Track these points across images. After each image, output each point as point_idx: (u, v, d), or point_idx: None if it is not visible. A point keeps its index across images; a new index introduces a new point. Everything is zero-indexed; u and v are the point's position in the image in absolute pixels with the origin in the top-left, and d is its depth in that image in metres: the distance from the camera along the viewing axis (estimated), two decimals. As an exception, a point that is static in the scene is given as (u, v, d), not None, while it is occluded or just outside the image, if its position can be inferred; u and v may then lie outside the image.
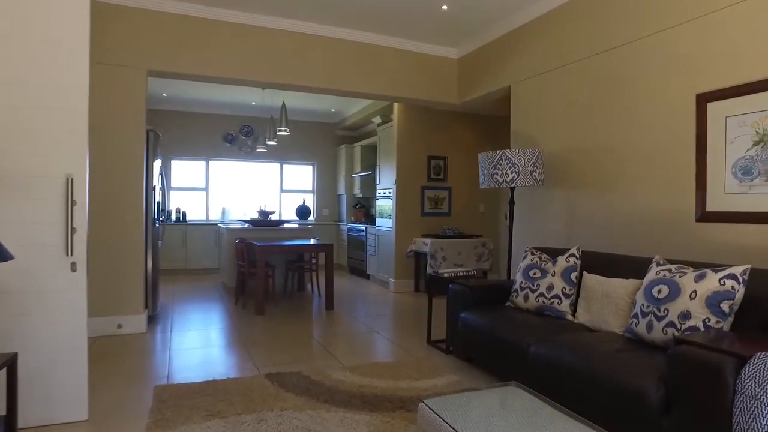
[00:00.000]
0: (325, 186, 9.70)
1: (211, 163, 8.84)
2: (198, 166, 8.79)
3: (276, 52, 4.81)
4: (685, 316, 2.31)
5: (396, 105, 6.67)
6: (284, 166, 9.45)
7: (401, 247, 6.70)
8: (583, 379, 2.34)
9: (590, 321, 3.00)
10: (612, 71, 3.66)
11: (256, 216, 8.86)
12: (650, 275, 2.62)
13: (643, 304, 2.55)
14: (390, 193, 6.95)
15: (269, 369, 3.36)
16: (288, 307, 5.51)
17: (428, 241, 6.30)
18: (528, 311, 3.37)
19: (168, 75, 4.58)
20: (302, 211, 9.40)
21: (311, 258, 6.41)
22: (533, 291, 3.36)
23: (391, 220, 6.91)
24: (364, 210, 9.10)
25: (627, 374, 2.16)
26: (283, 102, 5.75)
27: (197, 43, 4.52)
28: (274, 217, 9.23)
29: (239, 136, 8.88)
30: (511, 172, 3.89)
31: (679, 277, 2.45)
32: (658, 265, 2.64)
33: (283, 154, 9.29)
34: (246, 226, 6.47)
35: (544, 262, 3.45)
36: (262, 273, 5.07)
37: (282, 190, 9.45)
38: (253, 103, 8.28)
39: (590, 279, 3.12)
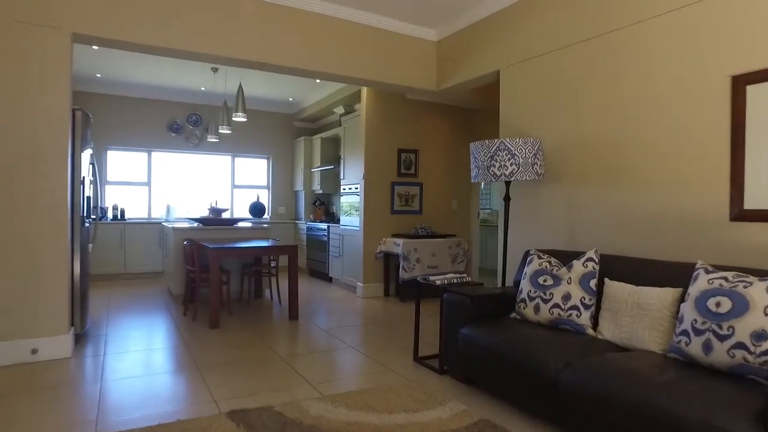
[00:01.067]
0: (281, 181, 8.98)
1: (154, 154, 7.92)
2: (139, 158, 7.85)
3: (234, 23, 4.12)
4: (762, 336, 1.90)
5: (364, 93, 6.10)
6: (237, 159, 8.65)
7: (370, 248, 6.14)
8: (647, 418, 1.87)
9: (618, 337, 2.57)
10: (620, 53, 3.27)
11: (206, 214, 8.03)
12: (700, 284, 2.21)
13: (695, 320, 2.13)
14: (357, 189, 6.37)
15: (232, 403, 2.71)
16: (246, 318, 4.83)
17: (400, 241, 5.78)
18: (539, 325, 2.91)
19: (99, 41, 3.78)
20: (256, 209, 8.64)
21: (270, 261, 5.73)
22: (545, 301, 2.90)
23: (358, 219, 6.34)
24: (324, 207, 8.46)
25: (705, 412, 1.71)
26: (240, 84, 5.05)
27: (139, 3, 3.77)
28: (227, 215, 8.43)
29: (186, 126, 8.01)
30: (511, 165, 3.43)
31: (744, 287, 2.04)
32: (708, 272, 2.23)
33: (236, 146, 8.49)
34: (195, 225, 5.70)
35: (555, 268, 3.00)
36: (216, 279, 4.37)
37: (234, 186, 8.65)
38: (203, 88, 7.46)
39: (615, 287, 2.69)
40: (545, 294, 2.92)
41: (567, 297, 2.82)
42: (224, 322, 4.62)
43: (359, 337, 4.20)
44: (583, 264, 2.87)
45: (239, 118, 5.02)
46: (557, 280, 2.91)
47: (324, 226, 7.41)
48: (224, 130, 5.79)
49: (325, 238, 7.35)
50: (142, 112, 7.72)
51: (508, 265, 4.00)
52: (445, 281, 3.41)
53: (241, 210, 8.69)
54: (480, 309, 3.06)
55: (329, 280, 7.37)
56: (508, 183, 3.67)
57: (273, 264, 5.70)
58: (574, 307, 2.78)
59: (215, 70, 6.30)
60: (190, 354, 3.63)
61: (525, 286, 3.07)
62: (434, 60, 5.14)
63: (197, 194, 8.27)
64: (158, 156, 7.95)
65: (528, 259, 3.20)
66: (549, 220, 3.80)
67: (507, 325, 2.87)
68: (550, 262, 3.06)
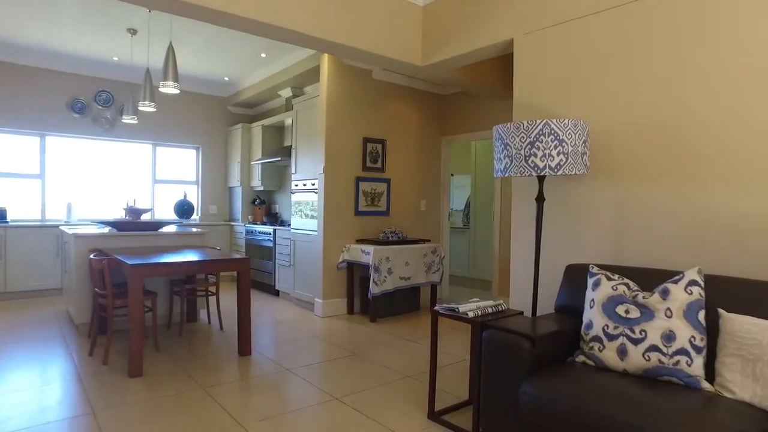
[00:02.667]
0: (213, 176, 7.65)
1: (50, 140, 6.32)
2: (29, 143, 6.22)
3: (165, -49, 2.94)
4: None
5: (325, 69, 5.05)
6: (159, 148, 7.21)
7: (331, 257, 5.11)
8: None
9: (762, 397, 1.80)
10: (682, 16, 2.54)
11: (121, 216, 6.58)
12: None
13: None
14: (313, 185, 5.31)
15: None
16: (180, 355, 3.63)
17: (370, 249, 4.81)
18: (626, 374, 2.08)
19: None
20: (183, 208, 7.26)
21: (208, 276, 4.53)
22: (635, 341, 2.08)
23: (314, 221, 5.28)
24: (266, 207, 7.28)
25: None
26: (171, 45, 3.79)
27: None
28: (149, 216, 6.98)
29: (94, 105, 6.48)
30: (558, 154, 2.59)
31: None
32: None
33: (158, 132, 7.06)
34: (107, 230, 4.37)
35: (637, 293, 2.19)
36: (138, 308, 3.16)
37: (156, 180, 7.20)
38: (116, 58, 6.01)
39: (742, 324, 1.92)
40: (633, 331, 2.10)
41: (669, 336, 2.02)
42: (149, 364, 3.40)
43: (341, 380, 3.18)
44: (685, 289, 2.08)
45: (169, 88, 3.78)
46: (647, 311, 2.10)
47: (269, 229, 6.25)
48: (146, 108, 4.48)
49: (270, 244, 6.19)
50: (34, 85, 6.11)
51: (544, 283, 3.16)
52: (478, 311, 2.50)
53: (164, 210, 7.26)
54: (543, 353, 2.19)
55: (275, 293, 6.22)
56: (541, 179, 2.84)
57: (212, 279, 4.51)
58: (683, 351, 1.98)
59: (133, 32, 4.95)
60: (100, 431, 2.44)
61: (596, 318, 2.23)
62: (419, 29, 4.22)
63: (108, 191, 6.75)
64: (55, 142, 6.35)
65: (592, 280, 2.37)
66: (589, 226, 3.02)
67: (585, 379, 2.01)
68: (627, 286, 2.25)
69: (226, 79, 6.99)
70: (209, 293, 4.54)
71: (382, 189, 5.53)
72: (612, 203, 2.90)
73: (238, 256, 3.66)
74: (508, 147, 2.72)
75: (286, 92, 6.53)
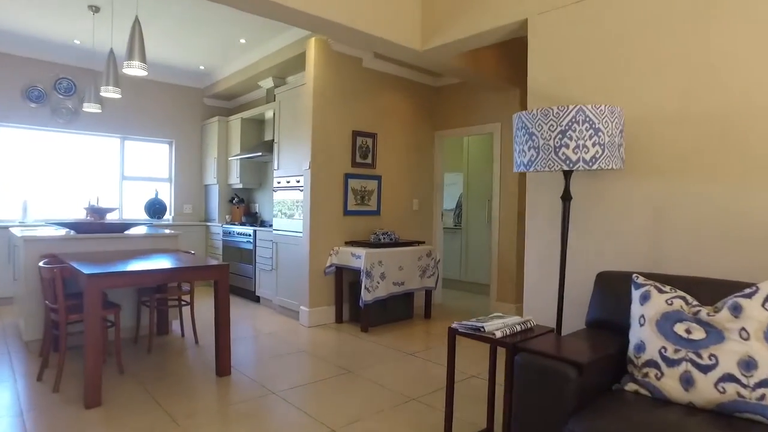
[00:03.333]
0: (187, 173, 7.12)
1: (2, 131, 5.72)
2: (-22, 135, 5.61)
3: None
4: None
5: (312, 59, 4.61)
6: (128, 143, 6.65)
7: (318, 261, 4.68)
8: None
9: None
10: (754, -19, 2.21)
11: (84, 216, 6.02)
12: None
13: None
14: (298, 183, 4.86)
15: None
16: (147, 376, 3.16)
17: (361, 252, 4.40)
18: (694, 409, 1.72)
19: None
20: (154, 208, 6.72)
21: (181, 284, 4.06)
22: (703, 368, 1.72)
23: (299, 222, 4.83)
24: (245, 207, 6.79)
25: None
26: (137, 18, 3.27)
27: None
28: (114, 216, 6.41)
29: (53, 94, 5.89)
30: (594, 145, 2.23)
31: None
32: None
33: (127, 125, 6.50)
34: (64, 233, 3.86)
35: (697, 309, 1.84)
36: (95, 327, 2.68)
37: (124, 177, 6.64)
38: (77, 41, 5.45)
39: (841, 349, 1.58)
40: (700, 356, 1.74)
41: (749, 364, 1.66)
42: (111, 389, 2.92)
43: (335, 406, 2.76)
44: (763, 305, 1.73)
45: (135, 69, 3.27)
46: (714, 331, 1.75)
47: (249, 230, 5.78)
48: (110, 94, 3.96)
49: (250, 246, 5.72)
50: (-16, 72, 5.50)
51: (571, 293, 2.78)
52: (506, 330, 2.11)
53: (134, 209, 6.71)
54: (590, 382, 1.82)
55: (256, 299, 5.75)
56: (568, 174, 2.47)
57: (186, 287, 4.03)
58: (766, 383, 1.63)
59: (95, 9, 4.42)
60: (44, 477, 1.97)
61: (649, 339, 1.87)
62: (418, 9, 3.82)
63: (70, 188, 6.17)
64: (9, 133, 5.75)
65: (639, 292, 2.00)
66: (620, 229, 2.66)
67: (646, 415, 1.64)
68: (684, 300, 1.89)
69: (202, 68, 6.47)
70: (183, 303, 4.06)
71: (372, 187, 5.11)
72: (648, 202, 2.55)
73: (214, 263, 3.20)
74: (534, 137, 2.34)
75: (267, 83, 6.06)
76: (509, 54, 4.80)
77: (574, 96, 2.85)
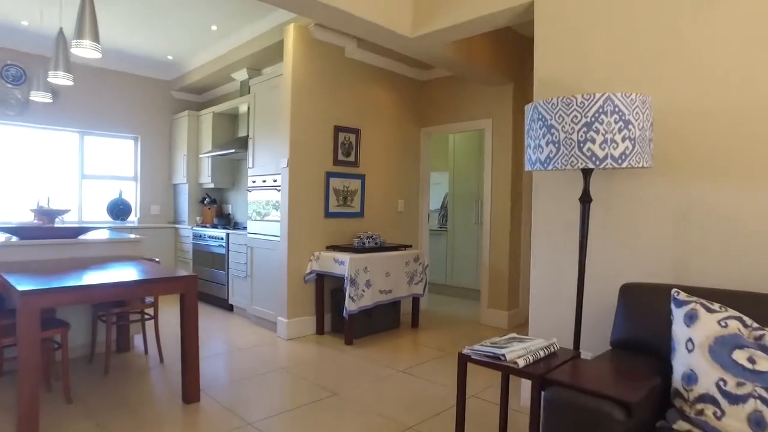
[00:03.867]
0: (154, 171, 6.63)
1: (-57, 125, 5.15)
2: None
3: None
4: None
5: (291, 47, 4.22)
6: (88, 138, 6.12)
7: (297, 267, 4.29)
8: None
9: None
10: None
11: (31, 219, 5.49)
12: None
13: None
14: (275, 182, 4.47)
15: None
16: (102, 404, 2.73)
17: (345, 258, 4.04)
18: (763, 458, 1.43)
19: None
20: (118, 209, 6.22)
21: (143, 298, 3.61)
22: (776, 410, 1.43)
23: (276, 224, 4.44)
24: (217, 208, 6.35)
25: None
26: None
27: None
28: (73, 218, 5.88)
29: (0, 82, 5.34)
30: (623, 140, 1.92)
31: None
32: None
33: (87, 119, 5.98)
34: (3, 238, 3.38)
35: (761, 333, 1.55)
36: (32, 353, 2.25)
37: (84, 176, 6.11)
38: (25, 23, 4.92)
39: None
40: (769, 393, 1.45)
41: (832, 404, 1.38)
42: (54, 424, 2.49)
43: (318, 438, 2.40)
44: (843, 331, 1.44)
45: (85, 50, 2.80)
46: (785, 362, 1.46)
47: (221, 233, 5.35)
48: (60, 80, 3.46)
49: (223, 251, 5.29)
50: None
51: (591, 307, 2.46)
52: (529, 357, 1.78)
53: (95, 210, 6.18)
54: (637, 422, 1.50)
55: (229, 308, 5.32)
56: (587, 173, 2.17)
57: (149, 299, 3.60)
58: None
59: (46, -12, 3.93)
60: None
61: (702, 369, 1.57)
62: (409, -8, 3.48)
63: (22, 188, 5.62)
64: (-48, 128, 5.18)
65: (683, 310, 1.70)
66: (643, 235, 2.37)
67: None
68: (741, 321, 1.60)
69: (170, 57, 6.00)
70: (146, 316, 3.63)
71: (355, 186, 4.75)
72: (675, 206, 2.27)
73: (182, 273, 2.79)
74: (553, 130, 2.02)
75: (241, 75, 5.63)
76: (505, 46, 4.50)
77: (582, 85, 2.56)
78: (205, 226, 5.82)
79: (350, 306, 4.00)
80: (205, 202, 6.33)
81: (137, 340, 4.03)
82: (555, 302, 2.69)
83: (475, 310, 5.55)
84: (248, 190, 4.87)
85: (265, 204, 4.61)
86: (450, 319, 5.10)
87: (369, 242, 4.50)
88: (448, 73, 5.26)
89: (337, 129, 4.56)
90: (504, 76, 4.58)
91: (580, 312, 2.19)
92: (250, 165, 4.83)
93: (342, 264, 4.07)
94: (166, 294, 2.72)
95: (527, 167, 2.20)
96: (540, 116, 2.08)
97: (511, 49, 4.60)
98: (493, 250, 4.89)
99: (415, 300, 4.75)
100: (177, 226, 6.35)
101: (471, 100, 5.07)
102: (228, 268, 5.21)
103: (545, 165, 2.08)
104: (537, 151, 2.11)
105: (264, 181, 4.62)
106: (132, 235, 3.93)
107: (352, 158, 4.71)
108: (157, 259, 3.65)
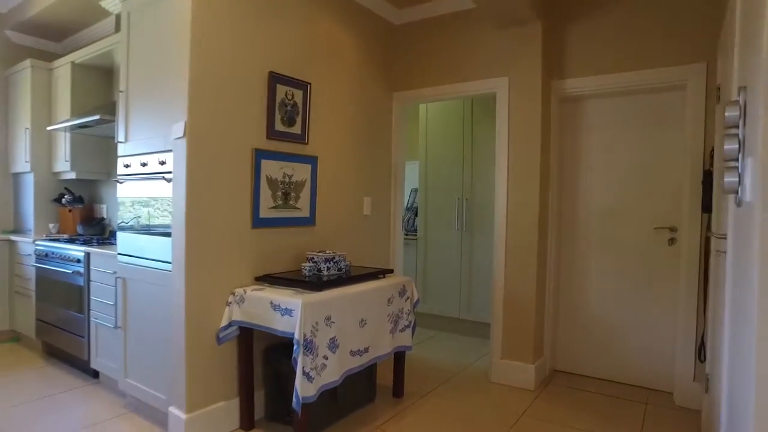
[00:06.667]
0: (-19, 154, 4.34)
1: None
2: None
3: None
4: None
5: None
6: None
7: (203, 317, 2.42)
8: None
9: None
10: None
11: None
12: None
13: None
14: (162, 165, 2.54)
15: None
16: None
17: (293, 302, 2.24)
18: None
19: None
20: None
21: None
22: None
23: (165, 240, 2.51)
24: (83, 210, 4.24)
25: None
26: None
27: None
28: None
29: None
30: None
31: None
32: None
33: None
34: None
35: None
36: None
37: None
38: None
39: None
40: None
41: None
42: None
43: None
44: None
45: None
46: None
47: (78, 252, 3.29)
48: None
49: (80, 281, 3.24)
50: None
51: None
52: None
53: None
54: None
55: (93, 374, 3.28)
56: None
57: None
58: None
59: None
60: None
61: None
62: None
63: None
64: None
65: None
66: None
67: None
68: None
69: (-5, -28, 3.78)
70: None
71: (303, 175, 2.95)
72: None
73: None
74: None
75: (112, 2, 3.59)
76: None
77: None
78: (58, 239, 3.70)
79: (305, 390, 2.19)
80: (64, 200, 4.18)
81: None
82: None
83: (469, 352, 3.95)
84: (118, 181, 2.88)
85: (147, 204, 2.67)
86: (443, 374, 3.45)
87: (329, 268, 2.71)
88: (435, 12, 3.58)
89: (275, 78, 2.72)
90: (528, 10, 3.00)
91: None
92: (121, 138, 2.84)
93: (288, 314, 2.26)
94: None
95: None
96: None
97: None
98: (510, 275, 3.29)
99: (399, 356, 3.02)
100: (15, 237, 4.11)
101: (474, 51, 3.44)
102: (88, 309, 3.18)
103: None
104: None
105: (144, 165, 2.67)
106: None
107: (297, 129, 2.89)
108: None
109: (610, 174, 3.35)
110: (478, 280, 4.45)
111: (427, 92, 3.63)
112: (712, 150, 2.75)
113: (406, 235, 5.05)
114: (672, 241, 3.15)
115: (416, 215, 5.13)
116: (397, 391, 3.03)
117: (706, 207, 2.77)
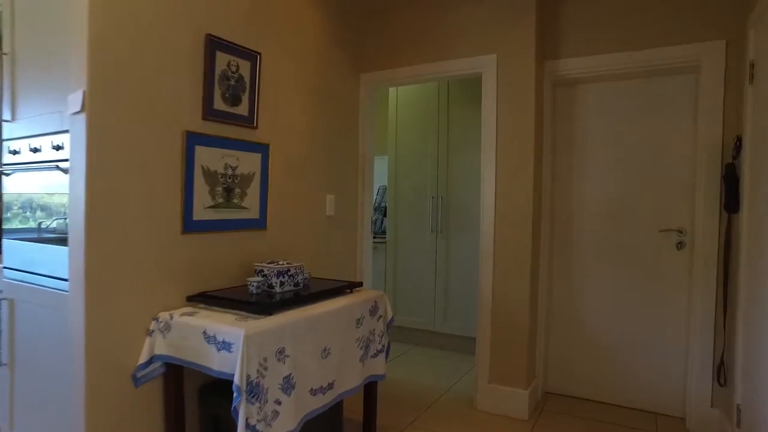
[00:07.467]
0: None
1: None
2: None
3: None
4: None
5: None
6: None
7: (113, 349, 1.80)
8: None
9: None
10: None
11: None
12: None
13: None
14: (57, 150, 1.91)
15: None
16: None
17: (233, 332, 1.66)
18: None
19: None
20: None
21: None
22: None
23: (62, 251, 1.87)
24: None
25: None
26: None
27: None
28: None
29: None
30: None
31: None
32: None
33: None
34: None
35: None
36: None
37: None
38: None
39: None
40: None
41: None
42: None
43: None
44: None
45: None
46: None
47: (-40, 263, 2.58)
48: None
49: (-34, 299, 2.53)
50: None
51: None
52: None
53: None
54: None
55: (-21, 418, 2.58)
56: None
57: None
58: None
59: None
60: None
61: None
62: None
63: None
64: None
65: None
66: None
67: None
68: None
69: None
70: None
71: (251, 167, 2.36)
72: None
73: None
74: None
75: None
76: None
77: None
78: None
79: (248, 455, 1.62)
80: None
81: None
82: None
83: (448, 370, 3.46)
84: (3, 173, 2.22)
85: (41, 203, 2.03)
86: (422, 400, 2.94)
87: (282, 284, 2.15)
88: (411, -23, 3.07)
89: (214, 43, 2.13)
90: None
91: None
92: (7, 116, 2.18)
93: (227, 348, 1.68)
94: None
95: None
96: None
97: None
98: (499, 285, 2.81)
99: (370, 387, 2.49)
100: None
101: (457, 23, 2.94)
102: (-28, 337, 2.48)
103: None
104: None
105: (36, 151, 2.02)
106: None
107: (243, 109, 2.31)
108: None
109: (609, 169, 2.93)
110: (456, 289, 3.97)
111: (402, 73, 3.11)
112: (737, 139, 2.36)
113: (374, 238, 4.51)
114: (681, 245, 2.76)
115: (385, 216, 4.61)
116: (369, 427, 2.49)
117: (730, 206, 2.37)
